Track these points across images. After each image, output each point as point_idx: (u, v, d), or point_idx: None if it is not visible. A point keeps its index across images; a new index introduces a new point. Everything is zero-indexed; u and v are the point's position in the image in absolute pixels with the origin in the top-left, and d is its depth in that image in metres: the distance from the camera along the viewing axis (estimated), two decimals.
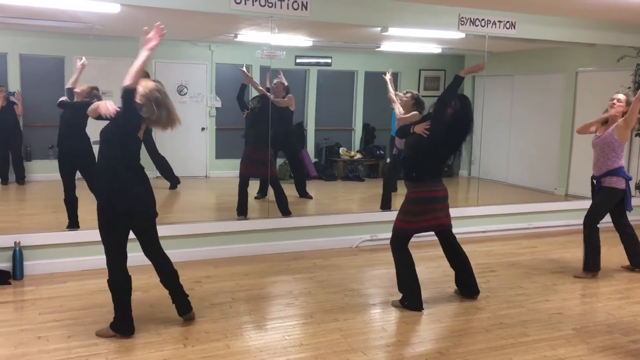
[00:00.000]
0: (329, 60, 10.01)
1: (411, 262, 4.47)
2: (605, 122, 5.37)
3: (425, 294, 4.74)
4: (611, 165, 5.22)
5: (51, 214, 5.30)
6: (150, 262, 3.97)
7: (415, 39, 7.73)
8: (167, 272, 3.98)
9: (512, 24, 6.71)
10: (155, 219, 3.91)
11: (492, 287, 5.01)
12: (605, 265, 5.60)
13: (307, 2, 5.70)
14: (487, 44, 6.95)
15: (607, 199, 5.30)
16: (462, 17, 6.46)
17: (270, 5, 5.55)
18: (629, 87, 7.81)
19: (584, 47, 7.81)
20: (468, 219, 6.75)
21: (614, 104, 5.27)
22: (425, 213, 4.42)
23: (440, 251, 4.72)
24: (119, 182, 3.66)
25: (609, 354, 3.74)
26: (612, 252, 6.00)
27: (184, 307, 4.06)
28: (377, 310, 4.47)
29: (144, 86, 3.69)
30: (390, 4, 6.12)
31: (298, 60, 9.67)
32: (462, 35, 6.67)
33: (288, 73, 9.27)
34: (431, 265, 5.55)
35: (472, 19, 6.50)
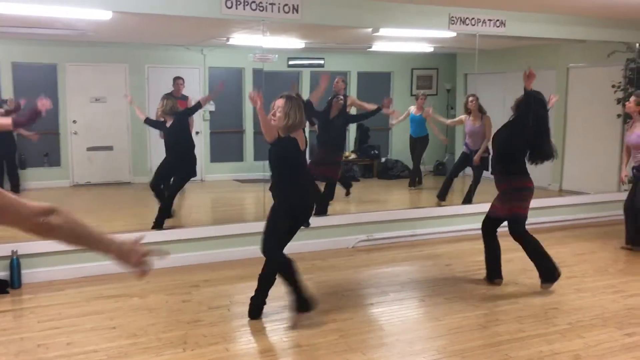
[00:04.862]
0: (321, 62, 10.03)
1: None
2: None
3: (420, 293, 4.78)
4: None
5: None
6: None
7: (407, 39, 7.78)
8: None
9: (502, 22, 6.76)
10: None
11: (487, 284, 5.05)
12: (599, 259, 5.67)
13: (298, 5, 5.73)
14: (478, 42, 7.00)
15: None
16: (452, 17, 6.50)
17: (261, 9, 5.57)
18: (619, 82, 7.88)
19: (574, 43, 7.87)
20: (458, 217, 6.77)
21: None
22: None
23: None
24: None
25: (604, 347, 3.78)
26: (608, 245, 6.08)
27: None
28: (375, 309, 4.50)
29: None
30: (380, 5, 6.15)
31: (290, 62, 9.69)
32: (453, 34, 6.71)
33: (281, 75, 9.31)
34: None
35: (462, 18, 6.54)
